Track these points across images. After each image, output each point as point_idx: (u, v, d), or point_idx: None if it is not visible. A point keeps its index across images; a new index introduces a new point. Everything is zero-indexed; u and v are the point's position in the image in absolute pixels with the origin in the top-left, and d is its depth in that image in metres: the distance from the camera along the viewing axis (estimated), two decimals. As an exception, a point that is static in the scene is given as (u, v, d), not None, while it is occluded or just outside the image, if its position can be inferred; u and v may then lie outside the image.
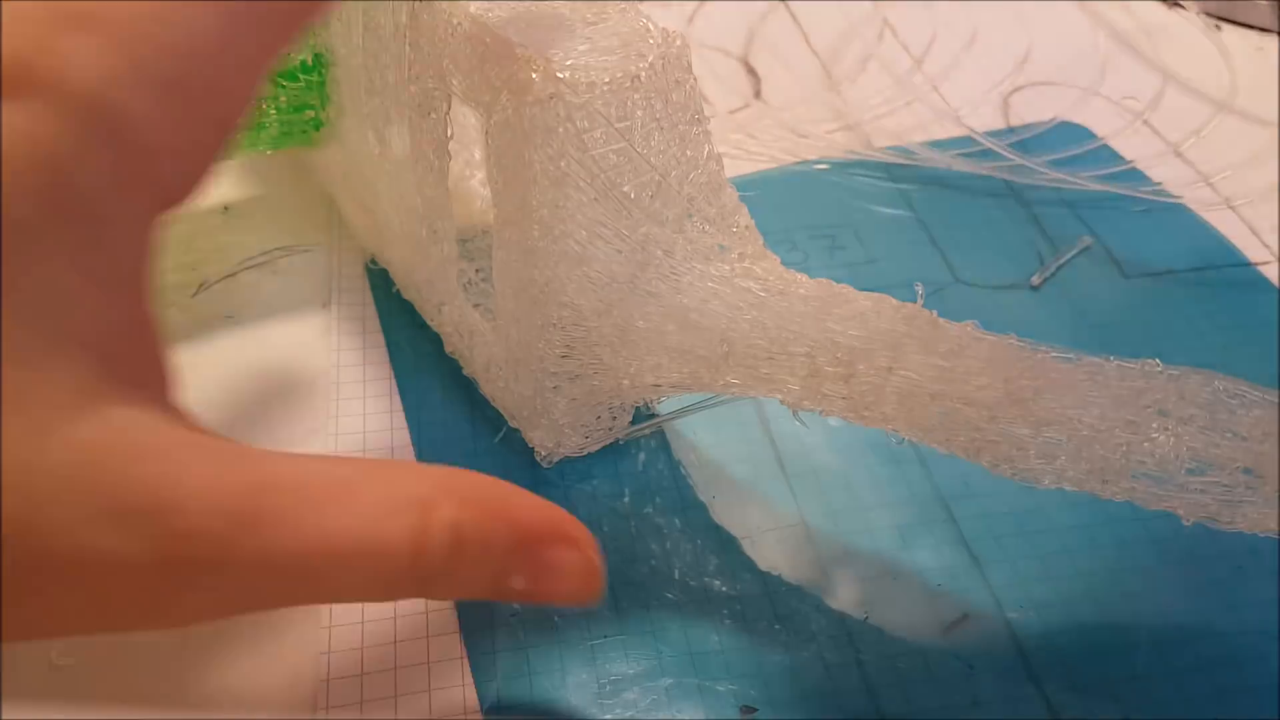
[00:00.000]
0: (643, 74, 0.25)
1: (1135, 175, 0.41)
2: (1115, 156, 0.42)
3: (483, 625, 0.26)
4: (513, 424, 0.31)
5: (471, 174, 0.36)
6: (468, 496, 0.20)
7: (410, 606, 0.27)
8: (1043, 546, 0.28)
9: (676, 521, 0.29)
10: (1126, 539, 0.28)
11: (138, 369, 0.19)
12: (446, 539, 0.20)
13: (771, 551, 0.28)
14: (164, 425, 0.18)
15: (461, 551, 0.20)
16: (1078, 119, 0.44)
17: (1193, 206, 0.40)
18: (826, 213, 0.40)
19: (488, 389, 0.32)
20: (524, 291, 0.27)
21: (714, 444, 0.31)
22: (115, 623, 0.19)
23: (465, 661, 0.26)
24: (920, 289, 0.26)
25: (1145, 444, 0.24)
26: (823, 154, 0.42)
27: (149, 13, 0.18)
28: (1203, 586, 0.27)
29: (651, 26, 0.26)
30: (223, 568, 0.18)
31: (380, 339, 0.34)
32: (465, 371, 0.32)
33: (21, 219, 0.17)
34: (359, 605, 0.27)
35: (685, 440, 0.31)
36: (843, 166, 0.42)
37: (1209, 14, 0.50)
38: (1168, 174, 0.41)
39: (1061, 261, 0.38)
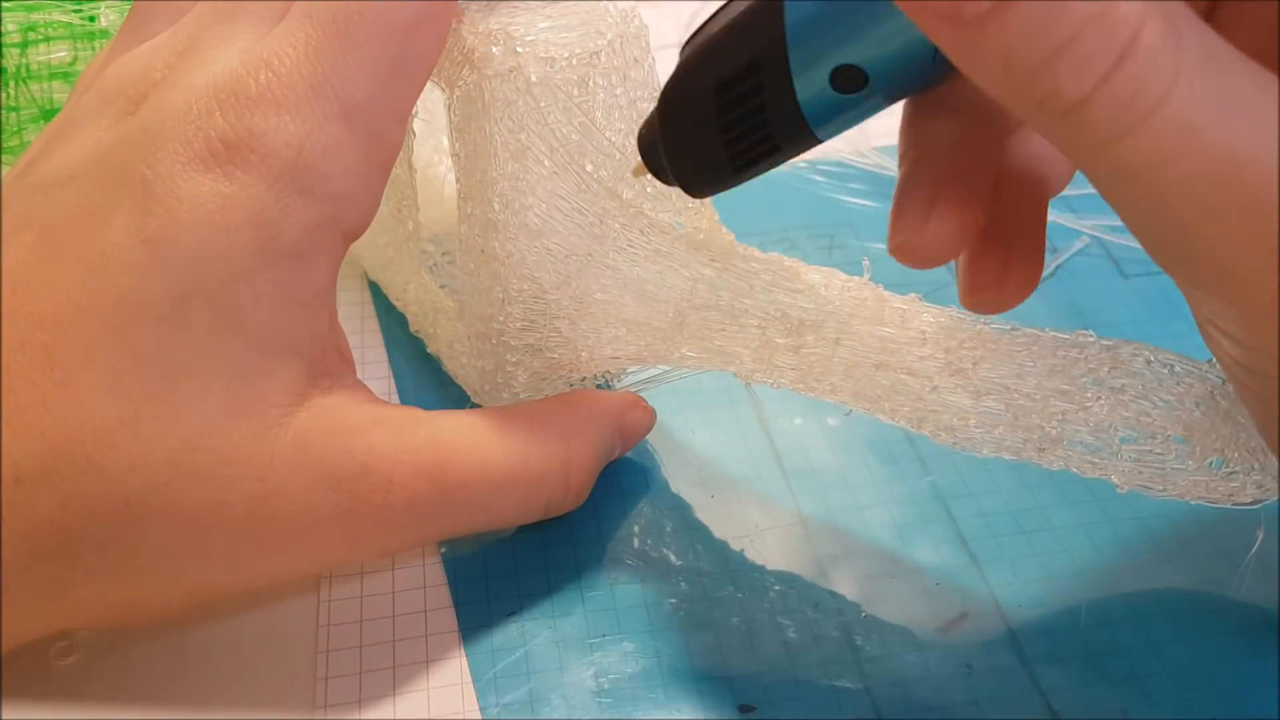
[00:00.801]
0: (602, 51, 0.26)
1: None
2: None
3: (481, 624, 0.26)
4: (475, 400, 0.31)
5: (440, 159, 0.36)
6: (585, 417, 0.27)
7: (409, 605, 0.27)
8: (1041, 545, 0.28)
9: (673, 518, 0.29)
10: (1125, 538, 0.28)
11: (332, 364, 0.24)
12: (587, 458, 0.27)
13: (770, 550, 0.28)
14: (355, 405, 0.24)
15: (595, 462, 0.27)
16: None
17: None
18: (825, 212, 0.40)
19: (451, 366, 0.32)
20: (485, 265, 0.27)
21: (711, 442, 0.31)
22: (335, 560, 0.26)
23: (463, 660, 0.26)
24: (867, 263, 0.27)
25: (1080, 413, 0.25)
26: (822, 154, 0.42)
27: (319, 86, 0.22)
28: (1202, 586, 0.27)
29: (610, 6, 0.26)
30: (413, 508, 0.24)
31: (379, 339, 0.34)
32: (429, 349, 0.33)
33: (244, 267, 0.21)
34: (356, 607, 0.27)
35: (681, 438, 0.31)
36: (842, 166, 0.42)
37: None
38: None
39: (1060, 261, 0.38)
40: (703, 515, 0.29)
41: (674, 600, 0.27)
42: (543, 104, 0.25)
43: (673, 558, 0.28)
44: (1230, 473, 0.25)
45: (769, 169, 0.23)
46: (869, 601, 0.27)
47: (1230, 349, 0.21)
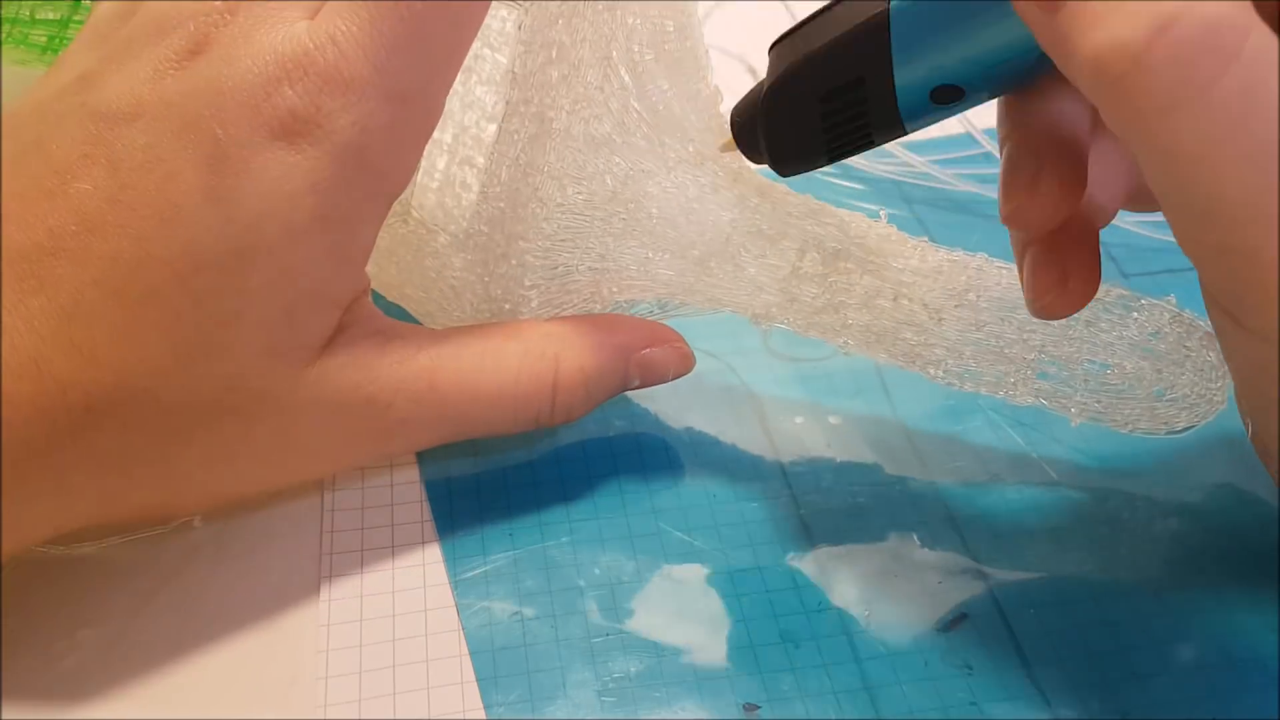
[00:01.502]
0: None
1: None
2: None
3: (482, 622, 0.26)
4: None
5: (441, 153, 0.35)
6: (586, 341, 0.28)
7: (409, 604, 0.27)
8: (1042, 546, 0.28)
9: (673, 518, 0.29)
10: (1127, 539, 0.28)
11: (359, 312, 0.26)
12: (576, 380, 0.28)
13: (770, 550, 0.28)
14: (366, 339, 0.26)
15: (587, 384, 0.28)
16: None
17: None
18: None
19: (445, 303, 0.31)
20: (525, 179, 0.28)
21: (712, 441, 0.31)
22: (341, 467, 0.29)
23: (465, 659, 0.26)
24: (883, 212, 0.29)
25: (1055, 346, 0.28)
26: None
27: (381, 67, 0.23)
28: (1203, 586, 0.27)
29: None
30: (408, 424, 0.27)
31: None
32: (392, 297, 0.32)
33: (302, 229, 0.23)
34: (357, 606, 0.27)
35: (681, 436, 0.31)
36: (841, 166, 0.42)
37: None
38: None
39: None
40: (702, 515, 0.29)
41: (675, 600, 0.27)
42: (632, 29, 0.27)
43: (673, 557, 0.28)
44: (1171, 400, 0.27)
45: (857, 153, 0.26)
46: (869, 602, 0.27)
47: (1248, 350, 0.21)
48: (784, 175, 0.27)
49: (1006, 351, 0.28)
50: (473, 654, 0.26)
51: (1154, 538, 0.29)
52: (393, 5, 0.23)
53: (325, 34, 0.23)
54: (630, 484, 0.30)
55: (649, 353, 0.29)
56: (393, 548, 0.28)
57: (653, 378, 0.30)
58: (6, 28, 0.38)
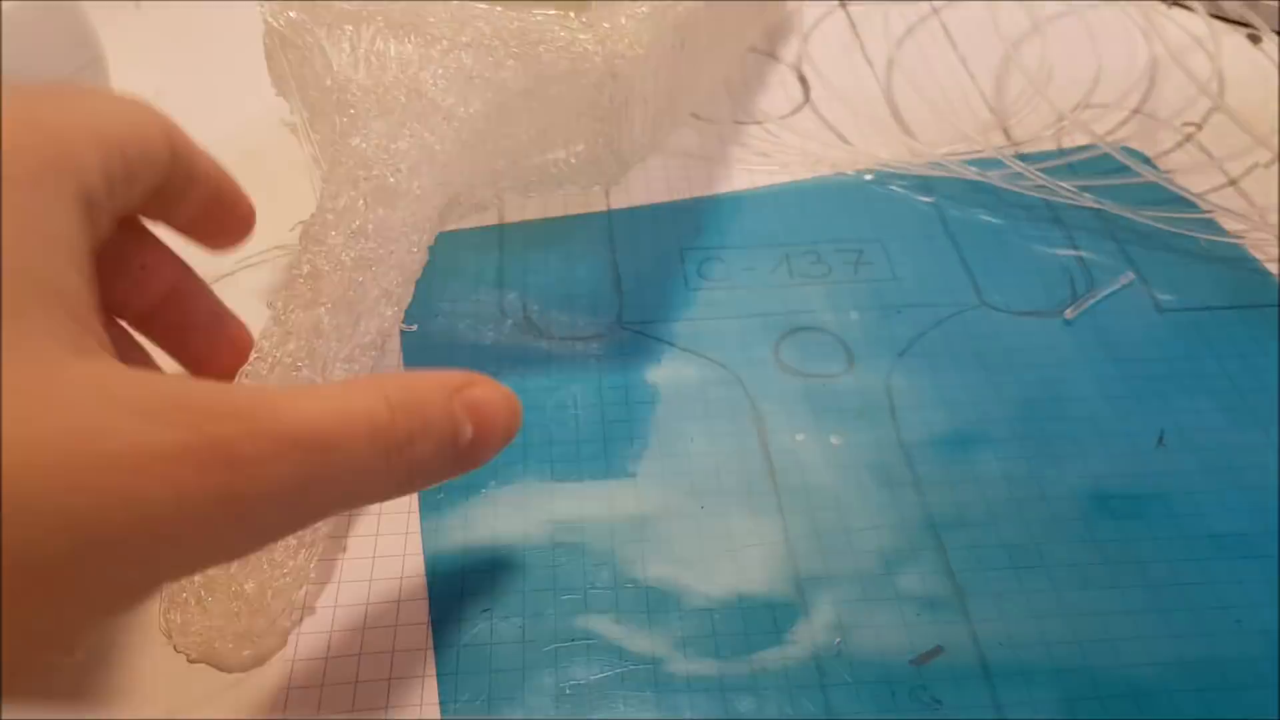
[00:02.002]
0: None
1: (1189, 207, 0.40)
2: (1168, 189, 0.40)
3: (451, 617, 0.26)
4: None
5: None
6: (399, 378, 0.22)
7: (384, 593, 0.27)
8: (1031, 583, 0.27)
9: (659, 526, 0.29)
10: (1123, 582, 0.27)
11: (97, 332, 0.20)
12: (400, 406, 0.21)
13: (751, 568, 0.28)
14: (124, 376, 0.19)
15: (408, 415, 0.21)
16: (1135, 144, 0.43)
17: (1248, 243, 0.38)
18: (857, 226, 0.39)
19: None
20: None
21: (709, 452, 0.31)
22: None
23: (429, 654, 0.26)
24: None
25: None
26: (861, 166, 0.41)
27: None
28: (1196, 638, 0.26)
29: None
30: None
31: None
32: None
33: None
34: (333, 591, 0.27)
35: (678, 446, 0.31)
36: (881, 180, 0.41)
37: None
38: (1222, 204, 0.40)
39: (1097, 297, 0.36)
40: (689, 525, 0.29)
41: (645, 609, 0.27)
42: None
43: (651, 566, 0.28)
44: None
45: None
46: (844, 628, 0.26)
47: None
48: None
49: None
50: (437, 648, 0.26)
51: (1151, 583, 0.27)
52: None
53: None
54: (618, 488, 0.30)
55: (474, 391, 0.23)
56: (376, 536, 0.28)
57: (484, 424, 0.23)
58: None
